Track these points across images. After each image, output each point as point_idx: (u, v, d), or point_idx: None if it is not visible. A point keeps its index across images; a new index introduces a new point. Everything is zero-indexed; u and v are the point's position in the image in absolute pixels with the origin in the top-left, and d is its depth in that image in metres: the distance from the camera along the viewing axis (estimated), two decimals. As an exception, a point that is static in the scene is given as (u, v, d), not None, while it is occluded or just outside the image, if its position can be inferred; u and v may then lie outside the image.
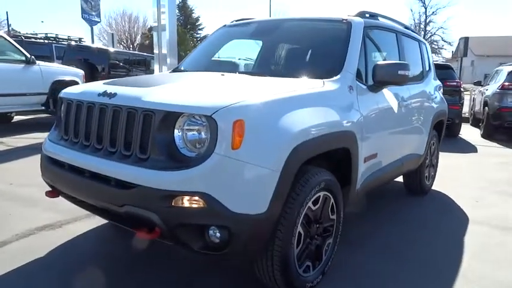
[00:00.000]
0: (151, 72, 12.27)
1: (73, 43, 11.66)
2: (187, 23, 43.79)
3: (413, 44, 3.81)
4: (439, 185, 4.49)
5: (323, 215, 2.23)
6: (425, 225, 3.40)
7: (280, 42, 3.18)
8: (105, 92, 2.05)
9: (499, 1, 65.22)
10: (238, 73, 2.78)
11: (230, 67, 3.21)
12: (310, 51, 2.88)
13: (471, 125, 10.74)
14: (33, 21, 64.20)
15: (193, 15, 44.76)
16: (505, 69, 8.71)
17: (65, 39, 12.06)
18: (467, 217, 3.58)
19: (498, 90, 8.22)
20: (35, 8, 62.38)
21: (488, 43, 36.07)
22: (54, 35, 11.80)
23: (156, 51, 10.51)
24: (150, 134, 1.83)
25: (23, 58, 7.19)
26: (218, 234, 1.77)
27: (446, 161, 4.74)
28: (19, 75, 7.12)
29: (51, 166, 2.25)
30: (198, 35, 45.53)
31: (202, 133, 1.77)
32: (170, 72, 3.23)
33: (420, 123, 3.63)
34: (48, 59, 10.34)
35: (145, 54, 12.69)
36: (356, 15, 2.95)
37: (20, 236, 2.82)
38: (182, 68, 3.25)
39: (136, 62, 11.95)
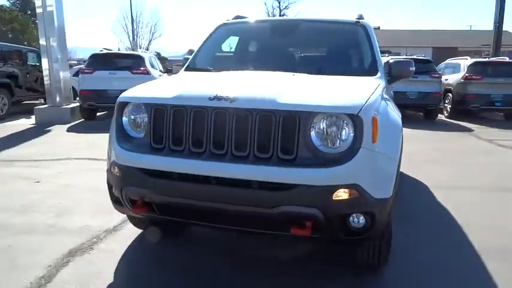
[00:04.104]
0: (31, 66, 10.58)
1: None
2: (27, 7, 37.03)
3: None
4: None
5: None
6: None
7: (313, 43, 3.37)
8: (217, 96, 1.97)
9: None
10: (297, 72, 2.66)
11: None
12: (345, 50, 3.17)
13: None
14: None
15: (34, -2, 38.56)
16: (463, 63, 10.13)
17: None
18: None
19: (462, 80, 9.67)
20: None
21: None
22: None
23: (43, 42, 9.16)
24: (294, 135, 1.88)
25: None
26: (361, 220, 1.95)
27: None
28: None
29: (148, 178, 2.03)
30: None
31: (341, 130, 1.91)
32: (188, 71, 3.07)
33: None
34: None
35: (21, 46, 10.77)
36: (359, 18, 3.34)
37: (56, 267, 2.41)
38: (199, 66, 3.13)
39: (8, 55, 10.07)
